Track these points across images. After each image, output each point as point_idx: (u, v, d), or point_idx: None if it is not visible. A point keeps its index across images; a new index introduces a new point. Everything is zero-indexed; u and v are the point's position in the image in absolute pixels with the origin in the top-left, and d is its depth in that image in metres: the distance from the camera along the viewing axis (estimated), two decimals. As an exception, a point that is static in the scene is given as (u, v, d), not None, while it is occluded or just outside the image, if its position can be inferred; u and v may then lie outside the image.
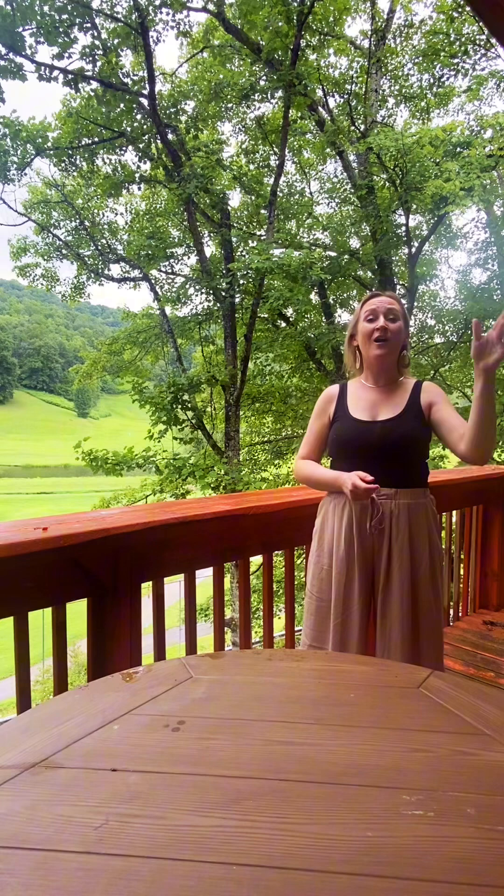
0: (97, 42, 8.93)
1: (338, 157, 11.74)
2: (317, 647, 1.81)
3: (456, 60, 10.68)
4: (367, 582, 1.73)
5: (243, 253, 11.82)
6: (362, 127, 11.50)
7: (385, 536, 1.69)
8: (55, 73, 8.80)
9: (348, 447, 1.77)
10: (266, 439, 14.21)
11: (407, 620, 1.68)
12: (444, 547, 3.08)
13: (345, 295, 14.12)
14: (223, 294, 10.47)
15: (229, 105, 11.71)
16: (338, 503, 1.77)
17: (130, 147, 10.69)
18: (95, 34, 8.92)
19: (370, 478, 1.60)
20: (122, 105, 9.92)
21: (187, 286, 12.76)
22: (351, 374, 1.94)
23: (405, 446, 1.71)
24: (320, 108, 11.38)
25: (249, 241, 12.40)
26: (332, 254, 12.78)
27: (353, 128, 11.70)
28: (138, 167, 11.23)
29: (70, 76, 8.90)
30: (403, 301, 12.11)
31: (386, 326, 1.74)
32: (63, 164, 11.19)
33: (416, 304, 12.56)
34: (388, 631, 1.70)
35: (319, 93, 11.29)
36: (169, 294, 13.00)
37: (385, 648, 1.71)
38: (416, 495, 1.72)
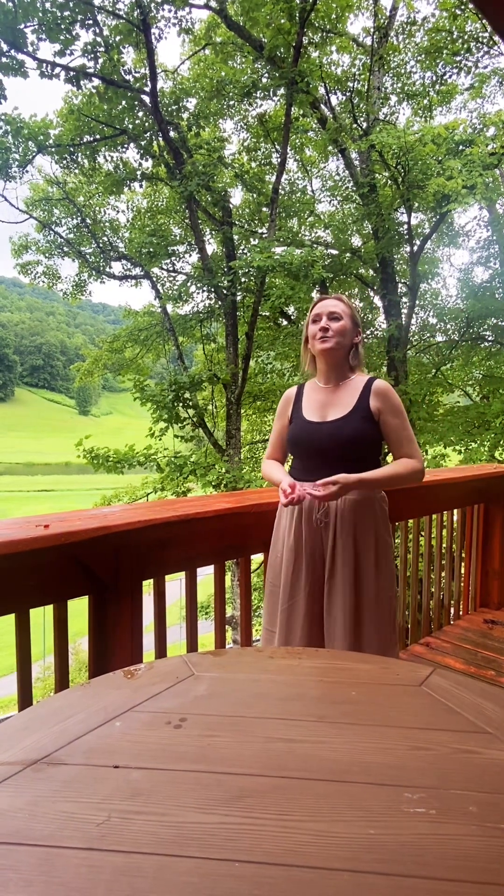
0: (99, 39, 8.91)
1: (340, 155, 11.71)
2: (270, 630, 1.91)
3: (458, 58, 10.65)
4: (315, 571, 1.80)
5: (245, 251, 11.81)
6: (364, 125, 11.47)
7: (330, 529, 1.77)
8: (57, 70, 8.78)
9: (300, 447, 1.86)
10: (267, 438, 14.17)
11: (350, 609, 1.74)
12: (445, 546, 3.09)
13: (346, 293, 14.10)
14: (224, 292, 10.46)
15: (231, 102, 11.68)
16: None
17: (132, 144, 10.68)
18: (97, 31, 8.91)
19: (297, 493, 1.68)
20: (123, 102, 9.91)
21: (189, 284, 12.76)
22: (307, 375, 2.02)
23: (352, 445, 1.78)
24: (322, 106, 11.35)
25: (251, 239, 12.40)
26: (334, 252, 12.77)
27: (355, 125, 11.67)
28: (140, 164, 11.22)
29: (72, 73, 8.88)
30: (404, 298, 12.05)
31: (326, 326, 1.83)
32: (65, 162, 11.17)
33: (417, 302, 12.54)
34: (333, 618, 1.77)
35: (321, 90, 11.25)
36: (170, 292, 13.00)
37: (330, 637, 1.78)
38: (363, 492, 1.78)
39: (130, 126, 10.32)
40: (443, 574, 3.09)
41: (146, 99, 9.79)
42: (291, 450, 1.92)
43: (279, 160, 10.52)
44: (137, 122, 10.32)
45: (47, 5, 8.09)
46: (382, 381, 1.85)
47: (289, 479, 1.76)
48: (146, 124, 10.28)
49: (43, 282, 13.46)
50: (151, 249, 11.38)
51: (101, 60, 9.08)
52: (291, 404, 1.96)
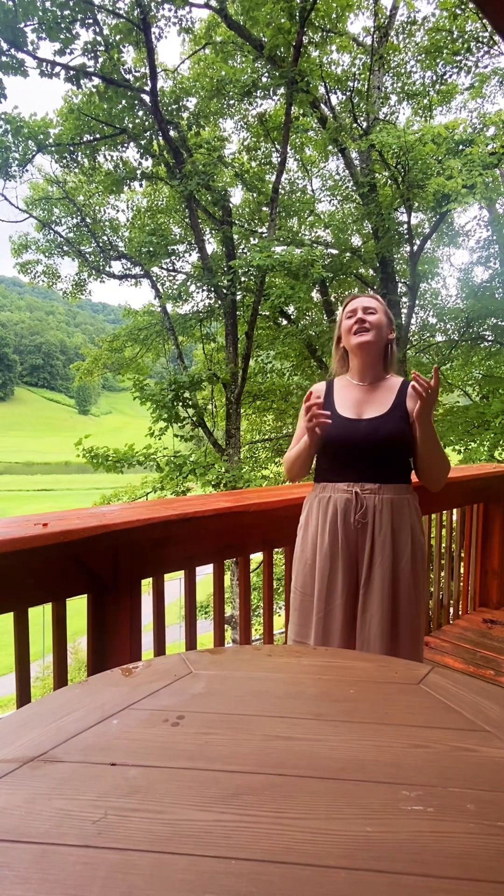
0: (99, 38, 8.91)
1: (340, 155, 11.71)
2: (300, 642, 1.83)
3: (459, 58, 10.64)
4: (350, 576, 1.75)
5: (245, 250, 11.81)
6: (364, 124, 11.47)
7: (368, 531, 1.71)
8: (57, 69, 8.78)
9: (334, 444, 1.79)
10: (267, 437, 14.21)
11: (387, 614, 1.70)
12: (445, 545, 3.08)
13: (346, 293, 14.08)
14: (224, 291, 10.46)
15: (231, 102, 11.68)
16: (322, 498, 1.79)
17: (132, 144, 10.67)
18: (97, 30, 8.90)
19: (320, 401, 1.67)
20: (123, 101, 9.90)
21: (188, 283, 12.75)
22: (333, 375, 1.98)
23: (390, 444, 1.74)
24: (322, 106, 11.34)
25: (251, 239, 12.39)
26: (334, 251, 12.76)
27: (355, 125, 11.67)
28: (140, 164, 11.22)
29: (72, 72, 8.87)
30: (404, 298, 12.05)
31: (363, 318, 1.80)
32: (64, 161, 11.17)
33: (417, 302, 12.54)
34: (368, 623, 1.72)
35: (322, 90, 11.25)
36: (170, 291, 12.99)
37: (364, 641, 1.73)
38: (399, 491, 1.74)
39: (130, 125, 10.31)
40: (442, 573, 3.09)
41: (146, 98, 9.79)
42: (322, 447, 1.83)
43: (279, 159, 10.51)
44: (137, 121, 10.32)
45: (47, 4, 8.08)
46: None
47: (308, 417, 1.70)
48: (146, 123, 10.28)
49: (43, 281, 13.46)
50: (151, 249, 11.38)
51: (101, 59, 9.07)
52: (321, 400, 1.86)
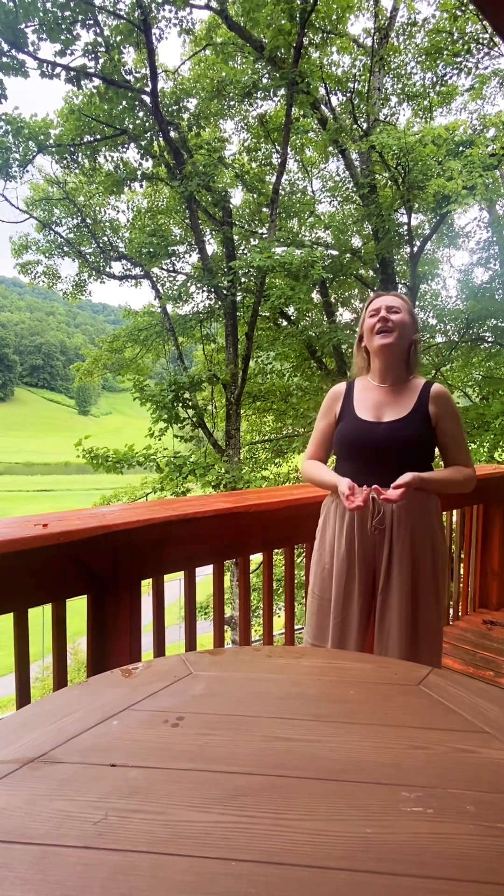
0: (100, 39, 8.91)
1: (340, 156, 11.72)
2: (318, 645, 1.81)
3: (459, 59, 10.66)
4: (368, 581, 1.72)
5: (245, 251, 11.81)
6: (364, 125, 11.47)
7: (386, 536, 1.67)
8: (57, 69, 8.78)
9: (352, 447, 1.75)
10: (267, 438, 14.20)
11: (406, 621, 1.66)
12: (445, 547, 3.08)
13: (346, 294, 14.11)
14: (224, 292, 10.46)
15: (231, 103, 11.68)
16: (340, 503, 1.76)
17: (132, 144, 10.67)
18: (98, 31, 8.90)
19: (358, 501, 1.60)
20: (124, 102, 9.90)
21: (189, 284, 12.76)
22: (354, 375, 1.93)
23: (410, 448, 1.69)
24: (323, 107, 11.35)
25: (251, 240, 12.40)
26: (334, 252, 12.77)
27: (355, 126, 11.67)
28: (140, 165, 11.22)
29: (72, 73, 8.87)
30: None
31: (387, 317, 1.74)
32: (65, 162, 11.17)
33: (417, 303, 12.54)
34: (387, 631, 1.69)
35: (322, 91, 11.26)
36: (170, 292, 12.99)
37: (383, 648, 1.71)
38: (420, 497, 1.69)
39: (131, 126, 10.31)
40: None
41: (147, 99, 9.79)
42: (340, 450, 1.80)
43: (279, 160, 10.52)
44: (138, 122, 10.32)
45: (48, 5, 8.08)
46: (441, 386, 1.78)
47: (346, 480, 1.64)
48: (147, 124, 10.28)
49: (43, 282, 13.46)
50: (151, 249, 11.38)
51: (101, 60, 9.07)
52: (340, 401, 1.84)
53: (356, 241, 13.49)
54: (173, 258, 13.01)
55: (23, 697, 1.54)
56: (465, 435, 1.78)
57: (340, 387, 1.89)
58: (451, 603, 3.21)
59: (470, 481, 1.75)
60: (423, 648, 1.68)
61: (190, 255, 13.28)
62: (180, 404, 10.03)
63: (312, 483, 1.87)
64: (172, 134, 10.29)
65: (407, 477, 1.59)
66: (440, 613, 1.74)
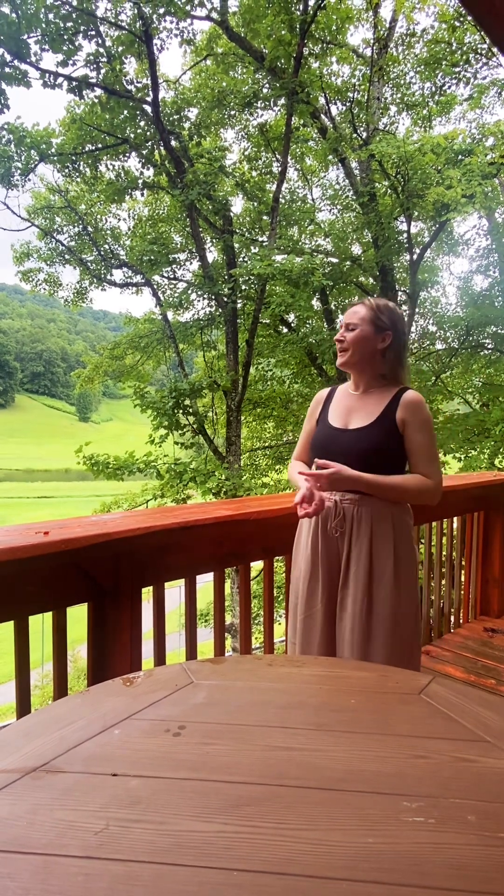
0: (101, 49, 9.00)
1: (340, 165, 11.80)
2: (292, 642, 1.87)
3: (457, 69, 10.76)
4: (331, 581, 1.77)
5: (245, 259, 11.86)
6: (364, 134, 11.56)
7: (346, 539, 1.73)
8: (59, 80, 8.86)
9: (320, 453, 1.79)
10: (267, 444, 14.22)
11: (359, 621, 1.69)
12: (445, 553, 3.08)
13: (346, 301, 14.11)
14: (225, 299, 10.50)
15: (232, 112, 11.78)
16: None
17: (134, 153, 10.76)
18: (100, 42, 8.99)
19: (309, 510, 1.65)
20: (125, 112, 9.99)
21: (189, 291, 12.79)
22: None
23: (373, 456, 1.71)
24: (322, 116, 11.44)
25: (251, 247, 12.45)
26: (334, 260, 12.83)
27: (355, 135, 11.76)
28: (141, 173, 11.30)
29: (74, 83, 8.95)
30: (404, 307, 12.07)
31: (340, 337, 1.80)
32: (66, 170, 11.26)
33: (417, 310, 12.58)
34: (343, 629, 1.74)
35: (322, 100, 11.35)
36: (171, 299, 13.04)
37: (340, 645, 1.76)
38: (382, 504, 1.71)
39: (132, 135, 10.40)
40: (443, 582, 3.09)
41: (148, 109, 9.87)
42: (311, 455, 1.85)
43: (280, 169, 10.59)
44: (139, 131, 10.41)
45: (50, 16, 8.17)
46: (414, 392, 1.75)
47: (305, 487, 1.69)
48: (148, 133, 10.37)
49: (44, 289, 13.51)
50: (152, 257, 11.44)
51: (103, 71, 9.16)
52: (320, 407, 1.91)
53: (356, 249, 13.56)
54: (174, 266, 13.07)
55: (23, 706, 1.54)
56: (434, 445, 1.76)
57: (323, 392, 1.96)
58: (452, 610, 3.20)
59: (428, 493, 1.72)
60: (375, 650, 1.68)
61: (191, 263, 13.35)
62: (181, 411, 10.05)
63: (292, 483, 1.93)
64: (173, 143, 10.36)
65: (331, 467, 1.64)
66: (401, 618, 1.71)
